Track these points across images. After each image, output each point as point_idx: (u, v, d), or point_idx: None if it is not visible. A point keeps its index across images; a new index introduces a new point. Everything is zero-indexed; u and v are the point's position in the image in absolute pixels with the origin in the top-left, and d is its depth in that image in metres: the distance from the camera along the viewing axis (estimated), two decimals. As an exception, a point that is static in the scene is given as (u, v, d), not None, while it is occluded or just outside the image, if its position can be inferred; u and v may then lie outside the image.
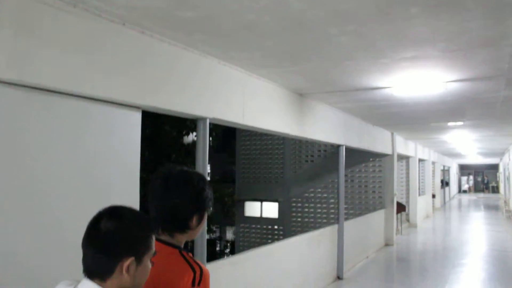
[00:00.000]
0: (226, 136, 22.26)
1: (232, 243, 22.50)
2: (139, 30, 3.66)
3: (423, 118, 9.54)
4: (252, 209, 16.62)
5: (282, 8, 3.26)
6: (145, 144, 10.52)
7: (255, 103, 5.42)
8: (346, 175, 11.27)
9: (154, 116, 12.34)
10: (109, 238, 1.49)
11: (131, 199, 3.69)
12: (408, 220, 16.98)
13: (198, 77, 4.41)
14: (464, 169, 47.74)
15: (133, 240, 1.53)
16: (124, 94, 3.53)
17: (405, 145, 14.74)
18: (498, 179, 39.19)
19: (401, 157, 16.02)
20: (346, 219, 9.46)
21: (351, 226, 9.66)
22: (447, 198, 31.24)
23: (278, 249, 6.74)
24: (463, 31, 3.78)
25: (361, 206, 13.48)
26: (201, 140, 4.57)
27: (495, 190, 42.86)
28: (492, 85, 5.99)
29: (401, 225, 14.87)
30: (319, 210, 14.73)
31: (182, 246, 1.88)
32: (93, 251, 1.50)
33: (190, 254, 1.84)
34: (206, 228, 4.60)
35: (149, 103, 3.78)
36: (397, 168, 14.60)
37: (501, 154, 25.09)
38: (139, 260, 1.53)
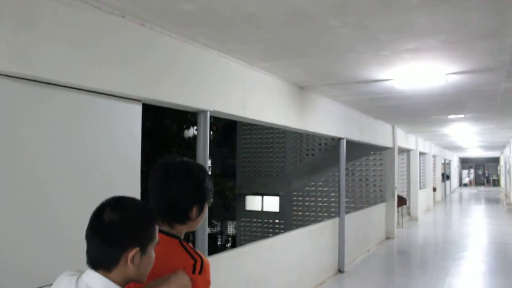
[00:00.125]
0: (226, 131, 22.26)
1: (233, 238, 22.56)
2: (139, 23, 3.65)
3: (423, 111, 9.52)
4: (253, 203, 16.64)
5: (282, 0, 3.25)
6: (146, 137, 10.51)
7: (256, 96, 5.41)
8: (347, 169, 11.27)
9: (154, 109, 12.34)
10: (113, 229, 1.49)
11: (132, 192, 3.68)
12: (409, 214, 17.00)
13: (198, 70, 4.40)
14: (465, 163, 47.73)
15: (137, 230, 1.52)
16: (124, 87, 3.52)
17: (406, 139, 14.73)
18: (499, 172, 39.19)
19: (402, 151, 16.02)
20: (347, 212, 9.47)
21: (352, 220, 9.67)
22: (448, 192, 31.26)
23: (279, 243, 6.75)
24: (464, 22, 3.76)
25: (362, 200, 13.50)
26: (202, 133, 4.57)
27: (496, 183, 42.86)
28: (493, 77, 5.97)
29: (402, 219, 14.88)
30: (320, 204, 14.74)
31: (182, 237, 1.88)
32: (98, 242, 1.49)
33: (191, 245, 1.84)
34: (207, 221, 4.62)
35: (149, 96, 3.78)
36: (398, 161, 14.60)
37: (501, 147, 25.08)
38: (143, 250, 1.52)
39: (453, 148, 27.05)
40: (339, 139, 8.70)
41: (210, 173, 2.02)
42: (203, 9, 3.44)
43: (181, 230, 1.86)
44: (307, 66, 5.34)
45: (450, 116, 10.55)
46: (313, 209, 14.83)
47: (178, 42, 4.11)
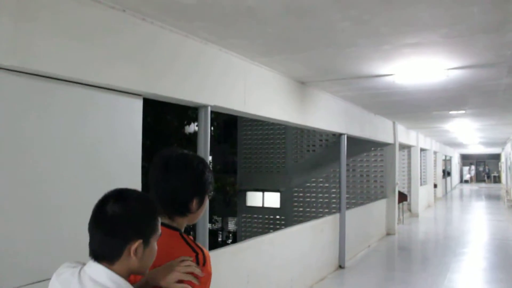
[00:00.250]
0: (227, 127, 22.26)
1: (234, 234, 22.59)
2: (139, 17, 3.65)
3: (424, 107, 9.51)
4: (254, 199, 16.66)
5: (283, -6, 3.24)
6: (147, 133, 10.52)
7: (257, 91, 5.40)
8: (347, 165, 11.28)
9: (155, 105, 12.35)
10: (116, 221, 1.48)
11: (133, 187, 3.67)
12: (409, 210, 17.00)
13: (199, 65, 4.39)
14: (466, 159, 47.71)
15: (141, 222, 1.52)
16: (125, 81, 3.52)
17: (406, 135, 14.72)
18: (500, 169, 39.17)
19: (403, 147, 16.01)
20: (348, 208, 9.47)
21: (353, 216, 9.67)
22: (448, 188, 31.26)
23: (280, 238, 6.76)
24: (465, 17, 3.75)
25: (362, 196, 13.50)
26: (203, 128, 4.57)
27: (497, 180, 42.85)
28: (494, 73, 5.96)
29: (402, 215, 14.88)
30: (320, 200, 14.76)
31: (183, 229, 1.87)
32: (101, 235, 1.49)
33: (191, 237, 1.84)
34: (208, 216, 4.62)
35: (150, 91, 3.77)
36: (399, 157, 14.59)
37: (502, 143, 25.07)
38: (146, 242, 1.52)
39: (454, 144, 27.04)
40: (340, 134, 8.69)
41: (210, 168, 2.01)
42: (203, 3, 3.43)
43: (182, 222, 1.86)
44: (307, 61, 5.34)
45: (451, 112, 10.54)
46: (314, 205, 14.85)
47: (179, 36, 4.11)
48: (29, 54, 2.81)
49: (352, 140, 9.51)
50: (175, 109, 13.94)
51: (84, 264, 1.54)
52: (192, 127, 15.04)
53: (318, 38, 4.36)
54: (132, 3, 3.40)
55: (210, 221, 20.03)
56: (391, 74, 6.01)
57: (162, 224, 1.76)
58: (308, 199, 14.98)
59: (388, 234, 12.73)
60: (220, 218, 24.44)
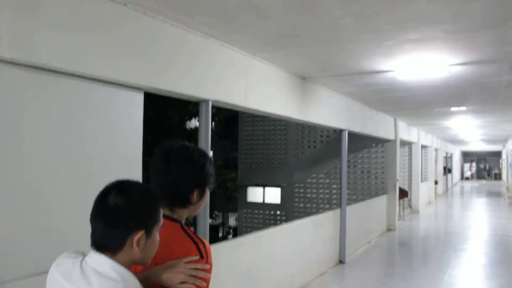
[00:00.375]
0: (228, 123, 22.25)
1: (235, 229, 22.61)
2: (141, 11, 3.65)
3: (426, 103, 9.50)
4: (255, 194, 16.67)
5: (284, -12, 3.24)
6: (148, 128, 10.54)
7: (258, 86, 5.41)
8: (348, 161, 11.29)
9: (156, 100, 12.36)
10: (118, 212, 1.48)
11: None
12: (410, 206, 17.00)
13: (200, 59, 4.39)
14: (467, 156, 47.67)
15: (143, 213, 1.53)
16: (125, 75, 3.52)
17: (408, 131, 14.72)
18: (500, 166, 39.14)
19: (404, 143, 16.00)
20: (349, 204, 9.48)
21: (354, 211, 9.68)
22: (449, 185, 31.25)
23: (281, 233, 6.77)
24: (467, 12, 3.75)
25: (363, 192, 13.50)
26: (204, 123, 4.57)
27: (498, 177, 42.82)
28: (496, 69, 5.96)
29: (403, 211, 14.89)
30: (321, 196, 14.76)
31: (183, 221, 1.88)
32: (103, 226, 1.49)
33: (192, 229, 1.84)
34: (208, 209, 4.62)
35: (151, 85, 3.78)
36: (400, 154, 14.59)
37: (504, 140, 25.04)
38: (148, 233, 1.53)
39: (455, 141, 27.02)
40: (341, 130, 8.69)
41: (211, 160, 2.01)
42: (205, -3, 3.43)
43: (182, 214, 1.87)
44: (309, 56, 5.33)
45: (452, 109, 10.53)
46: (315, 201, 14.85)
47: (181, 31, 4.11)
48: (29, 47, 2.81)
49: (353, 136, 9.51)
50: (176, 104, 13.94)
51: (84, 254, 1.54)
52: (193, 123, 15.04)
53: (319, 33, 4.36)
54: (133, -3, 3.40)
55: (211, 217, 20.06)
56: (393, 70, 6.01)
57: (163, 215, 1.77)
58: (309, 195, 14.99)
59: (388, 230, 12.74)
60: (221, 214, 24.46)
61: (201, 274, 1.64)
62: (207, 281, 1.68)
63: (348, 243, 8.88)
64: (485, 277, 8.24)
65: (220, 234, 24.35)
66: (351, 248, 9.30)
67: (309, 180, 14.99)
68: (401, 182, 15.36)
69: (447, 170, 30.08)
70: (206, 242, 1.79)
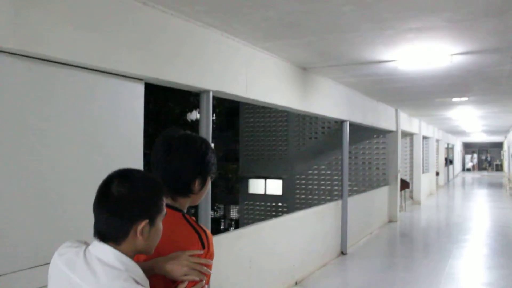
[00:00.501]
0: (229, 115, 22.23)
1: (236, 222, 22.66)
2: (141, 1, 3.62)
3: (427, 93, 9.47)
4: (256, 186, 16.69)
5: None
6: (149, 120, 10.54)
7: (259, 76, 5.38)
8: (350, 152, 11.28)
9: (157, 92, 12.34)
10: (122, 202, 1.47)
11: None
12: (411, 197, 17.02)
13: (201, 49, 4.37)
14: (468, 147, 47.65)
15: (146, 202, 1.51)
16: (126, 66, 3.51)
17: (409, 122, 14.69)
18: (502, 157, 39.12)
19: (405, 134, 15.98)
20: (350, 195, 9.48)
21: (355, 202, 9.68)
22: (450, 176, 31.27)
23: (282, 224, 6.78)
24: (469, 0, 3.72)
25: (364, 183, 13.50)
26: (205, 113, 4.56)
27: (499, 168, 42.82)
28: (498, 58, 5.92)
29: (404, 202, 14.90)
30: (322, 187, 14.77)
31: (185, 210, 1.87)
32: (106, 215, 1.48)
33: (193, 218, 1.83)
34: (210, 201, 4.62)
35: (151, 75, 3.76)
36: (401, 145, 14.57)
37: (505, 131, 24.99)
38: (152, 222, 1.52)
39: (457, 132, 26.99)
40: (342, 121, 8.67)
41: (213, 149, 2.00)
42: (205, -14, 3.40)
43: (184, 203, 1.85)
44: (310, 46, 5.31)
45: (454, 99, 10.50)
46: (316, 192, 14.86)
47: (181, 21, 4.08)
48: (30, 37, 2.79)
49: (354, 127, 9.50)
50: (177, 96, 13.93)
51: (86, 243, 1.53)
52: (194, 115, 15.03)
53: (320, 22, 4.33)
54: (133, -14, 3.38)
55: (212, 209, 20.10)
56: (394, 60, 5.98)
57: (165, 204, 1.76)
58: (311, 187, 15.00)
59: (390, 221, 12.75)
60: (223, 206, 24.51)
61: (204, 269, 1.63)
62: (208, 275, 1.67)
63: (349, 235, 8.88)
64: (486, 268, 8.25)
65: (222, 227, 24.42)
66: (352, 240, 9.31)
67: (310, 172, 15.00)
68: (402, 173, 15.36)
69: (449, 161, 30.08)
70: (208, 231, 1.78)
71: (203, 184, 1.85)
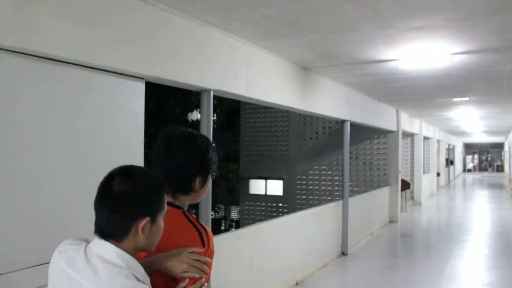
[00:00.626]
0: (230, 115, 22.22)
1: (237, 222, 22.64)
2: (141, -1, 3.62)
3: (428, 93, 9.46)
4: (257, 186, 16.67)
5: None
6: (149, 120, 10.55)
7: (259, 75, 5.38)
8: (350, 152, 11.27)
9: (158, 92, 12.34)
10: (123, 199, 1.46)
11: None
12: (412, 198, 17.00)
13: (202, 48, 4.36)
14: (469, 148, 47.60)
15: (148, 200, 1.50)
16: (126, 64, 3.50)
17: (410, 122, 14.68)
18: (503, 157, 39.09)
19: (406, 135, 15.97)
20: (351, 195, 9.47)
21: (356, 203, 9.67)
22: (451, 177, 31.24)
23: (283, 224, 6.76)
24: (470, -1, 3.72)
25: (365, 184, 13.49)
26: (205, 113, 4.55)
27: (500, 169, 42.77)
28: (499, 58, 5.92)
29: (405, 203, 14.89)
30: (323, 188, 14.75)
31: (186, 209, 1.86)
32: (108, 212, 1.47)
33: (194, 216, 1.83)
34: (211, 200, 4.60)
35: (152, 74, 3.75)
36: (402, 145, 14.56)
37: (506, 132, 24.96)
38: (153, 220, 1.51)
39: (457, 133, 26.97)
40: (343, 121, 8.66)
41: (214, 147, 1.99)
42: (206, -15, 3.39)
43: (185, 201, 1.85)
44: (310, 45, 5.30)
45: (455, 99, 10.48)
46: (317, 192, 14.84)
47: (181, 19, 4.07)
48: (30, 35, 2.78)
49: (355, 127, 9.49)
50: (178, 96, 13.93)
51: (87, 241, 1.52)
52: (195, 115, 15.03)
53: (321, 21, 4.32)
54: (133, -16, 3.37)
55: (213, 210, 20.09)
56: (395, 59, 5.97)
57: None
58: (311, 187, 14.98)
59: (391, 221, 12.74)
60: (223, 207, 24.49)
61: (204, 267, 1.63)
62: (207, 274, 1.67)
63: (350, 235, 8.87)
64: (487, 268, 8.24)
65: (223, 227, 24.39)
66: (353, 240, 9.29)
67: (311, 172, 14.98)
68: (403, 173, 15.34)
69: (449, 162, 30.05)
70: (208, 229, 1.77)
71: (203, 182, 1.84)
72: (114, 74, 3.51)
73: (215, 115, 17.95)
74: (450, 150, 31.52)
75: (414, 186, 16.96)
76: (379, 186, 12.93)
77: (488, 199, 20.19)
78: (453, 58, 5.72)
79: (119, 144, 3.61)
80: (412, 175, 17.26)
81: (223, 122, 23.16)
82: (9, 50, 2.75)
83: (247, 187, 16.82)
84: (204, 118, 4.55)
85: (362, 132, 12.25)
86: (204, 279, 1.64)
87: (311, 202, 14.55)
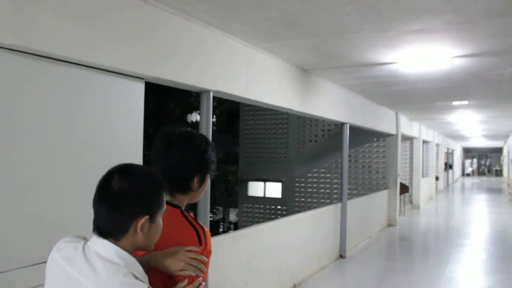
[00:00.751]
0: (229, 117, 22.22)
1: (235, 225, 22.62)
2: (141, -1, 3.61)
3: (428, 97, 9.46)
4: (256, 189, 16.66)
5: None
6: (149, 121, 10.55)
7: (259, 77, 5.38)
8: (349, 155, 11.27)
9: (158, 93, 12.34)
10: (123, 197, 1.45)
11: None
12: (411, 202, 17.00)
13: (202, 49, 4.36)
14: (468, 152, 47.64)
15: (147, 198, 1.50)
16: (126, 64, 3.49)
17: (409, 126, 14.69)
18: (502, 162, 39.12)
19: (405, 138, 15.97)
20: (349, 198, 9.46)
21: (354, 206, 9.66)
22: (450, 181, 31.25)
23: (281, 226, 6.76)
24: (469, 2, 3.71)
25: (364, 187, 13.48)
26: (205, 114, 4.55)
27: (499, 173, 42.81)
28: (499, 61, 5.92)
29: (404, 206, 14.88)
30: (322, 191, 14.74)
31: (184, 208, 1.86)
32: (107, 211, 1.46)
33: (192, 214, 1.82)
34: (209, 206, 4.59)
35: (151, 74, 3.75)
36: (401, 149, 14.56)
37: (505, 136, 25.00)
38: (152, 218, 1.50)
39: (457, 137, 26.99)
40: (342, 124, 8.66)
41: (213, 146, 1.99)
42: (206, -15, 3.39)
43: (183, 200, 1.84)
44: (310, 47, 5.30)
45: (454, 103, 10.48)
46: (316, 195, 14.83)
47: (182, 20, 4.07)
48: (29, 33, 2.78)
49: (354, 130, 9.48)
50: (178, 97, 13.94)
51: (85, 239, 1.52)
52: (194, 116, 15.04)
53: (321, 22, 4.32)
54: (134, -16, 3.37)
55: (211, 211, 20.08)
56: (395, 62, 5.97)
57: (165, 201, 1.74)
58: (310, 190, 14.97)
59: (389, 225, 12.73)
60: (222, 209, 24.47)
61: (201, 265, 1.62)
62: (204, 273, 1.66)
63: (348, 238, 8.87)
64: (486, 272, 8.23)
65: (221, 230, 24.37)
66: (351, 243, 9.29)
67: (310, 175, 14.97)
68: (402, 177, 15.34)
69: (448, 166, 30.07)
70: (206, 228, 1.77)
71: (202, 181, 1.84)
72: (114, 74, 3.50)
73: (214, 116, 17.96)
74: (449, 154, 31.54)
75: (413, 190, 16.97)
76: (377, 190, 12.92)
77: (486, 203, 20.19)
78: (453, 61, 5.72)
79: (118, 144, 3.60)
80: (411, 178, 17.26)
81: (223, 124, 23.18)
82: (9, 49, 2.74)
83: (246, 189, 16.80)
84: (204, 119, 4.54)
85: (361, 135, 12.24)
86: (201, 278, 1.64)
87: (309, 204, 14.53)
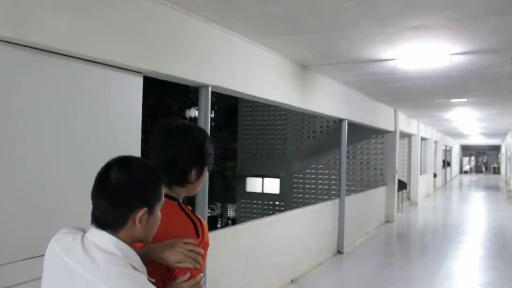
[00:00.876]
0: (228, 113, 22.21)
1: (233, 220, 22.64)
2: (140, -7, 3.61)
3: (426, 94, 9.47)
4: (254, 185, 16.68)
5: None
6: (147, 116, 10.54)
7: (258, 72, 5.37)
8: (348, 152, 11.26)
9: (156, 88, 12.32)
10: (121, 189, 1.45)
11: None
12: (409, 198, 17.02)
13: (201, 44, 4.36)
14: (466, 150, 47.69)
15: (146, 190, 1.50)
16: (124, 58, 3.49)
17: (407, 123, 14.69)
18: (499, 160, 39.17)
19: (404, 135, 15.99)
20: (347, 195, 9.47)
21: (352, 202, 9.68)
22: (448, 178, 31.28)
23: (279, 222, 6.76)
24: (470, -2, 3.72)
25: (362, 183, 13.51)
26: (203, 109, 4.54)
27: (496, 171, 42.87)
28: (498, 59, 5.92)
29: (402, 203, 14.91)
30: (320, 187, 14.76)
31: (181, 201, 1.86)
32: (105, 203, 1.46)
33: (189, 207, 1.82)
34: (207, 201, 4.59)
35: (150, 68, 3.74)
36: (399, 146, 14.58)
37: (503, 134, 25.01)
38: (151, 210, 1.50)
39: (455, 134, 27.02)
40: (341, 120, 8.67)
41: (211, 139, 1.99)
42: (206, -21, 3.38)
43: (180, 193, 1.84)
44: (310, 43, 5.29)
45: (453, 100, 10.50)
46: (314, 191, 14.86)
47: (181, 14, 4.06)
48: (27, 26, 2.77)
49: (352, 127, 9.49)
50: (176, 93, 13.92)
51: (84, 230, 1.52)
52: (192, 112, 15.03)
53: (320, 18, 4.31)
54: (133, -22, 3.36)
55: (209, 207, 20.08)
56: (394, 59, 5.97)
57: (161, 193, 1.74)
58: (308, 186, 14.99)
59: (387, 221, 12.75)
60: (220, 204, 24.50)
61: (198, 257, 1.62)
62: (201, 265, 1.67)
63: (346, 234, 8.88)
64: (482, 269, 8.26)
65: (219, 225, 24.39)
66: (349, 239, 9.31)
67: (308, 171, 14.99)
68: (400, 174, 15.36)
69: (446, 163, 30.11)
70: (203, 220, 1.77)
71: (199, 174, 1.84)
72: (112, 67, 3.50)
73: (213, 112, 17.95)
74: (447, 151, 31.58)
75: (411, 187, 16.99)
76: (376, 186, 12.95)
77: (484, 200, 20.23)
78: (452, 58, 5.72)
79: (116, 138, 3.60)
80: (409, 175, 17.29)
81: (221, 120, 23.18)
82: (7, 42, 2.73)
83: (244, 185, 16.82)
84: (202, 115, 4.54)
85: (359, 132, 12.26)
86: (202, 274, 1.64)
87: (307, 200, 14.56)
